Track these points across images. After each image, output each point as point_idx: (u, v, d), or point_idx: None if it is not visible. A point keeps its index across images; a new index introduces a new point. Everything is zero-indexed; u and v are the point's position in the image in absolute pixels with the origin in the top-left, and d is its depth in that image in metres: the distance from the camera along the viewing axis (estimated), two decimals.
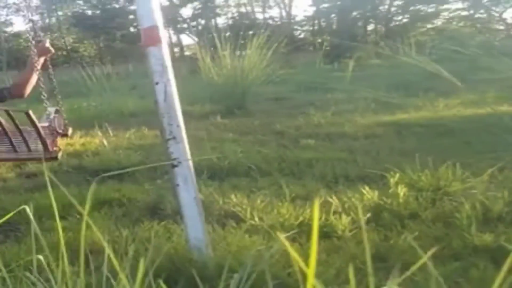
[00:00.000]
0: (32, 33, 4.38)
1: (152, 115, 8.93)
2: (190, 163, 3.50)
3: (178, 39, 45.60)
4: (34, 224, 1.90)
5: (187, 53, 28.91)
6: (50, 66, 4.98)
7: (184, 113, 3.58)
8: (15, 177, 6.19)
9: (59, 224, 1.83)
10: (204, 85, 11.04)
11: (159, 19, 3.42)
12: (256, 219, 4.00)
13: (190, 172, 3.47)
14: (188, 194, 3.44)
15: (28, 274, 2.34)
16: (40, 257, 2.10)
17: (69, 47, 38.77)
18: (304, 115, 8.67)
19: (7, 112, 3.99)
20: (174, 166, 3.42)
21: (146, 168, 5.25)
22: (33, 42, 4.34)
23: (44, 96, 4.43)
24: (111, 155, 6.51)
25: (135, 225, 4.21)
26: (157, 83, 3.39)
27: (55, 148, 4.34)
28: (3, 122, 4.16)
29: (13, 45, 48.39)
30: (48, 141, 4.25)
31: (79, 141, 7.55)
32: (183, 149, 3.43)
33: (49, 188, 1.76)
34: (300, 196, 4.49)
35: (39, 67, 4.39)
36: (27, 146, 4.37)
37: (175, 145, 3.40)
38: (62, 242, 1.80)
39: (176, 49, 42.23)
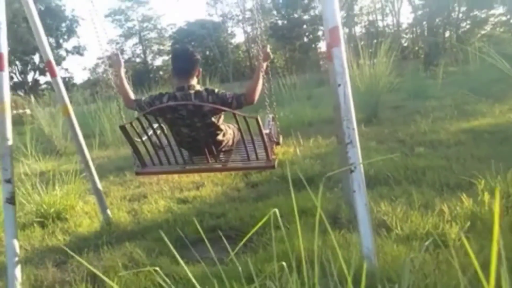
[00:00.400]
0: (258, 41, 3.58)
1: (324, 124, 8.67)
2: (362, 169, 2.74)
3: None
4: (282, 232, 1.64)
5: None
6: (269, 72, 3.97)
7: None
8: (244, 187, 5.52)
9: (300, 235, 1.52)
10: (353, 94, 9.71)
11: (339, 20, 2.73)
12: (399, 228, 3.50)
13: (362, 178, 2.70)
14: (361, 200, 2.70)
15: (270, 282, 2.01)
16: (283, 263, 1.68)
17: None
18: (414, 123, 7.83)
19: (244, 118, 3.17)
20: (351, 171, 2.68)
21: (324, 177, 4.30)
22: (261, 47, 3.53)
23: (267, 102, 3.65)
24: (302, 164, 5.74)
25: (324, 234, 3.41)
26: (339, 85, 2.70)
27: (273, 156, 3.57)
28: (242, 131, 3.48)
29: (235, 57, 46.16)
30: (268, 149, 3.44)
31: (281, 150, 6.76)
32: (357, 154, 2.70)
33: (294, 202, 1.40)
34: (422, 204, 3.92)
35: (264, 72, 3.57)
36: (256, 154, 3.59)
37: (351, 149, 2.67)
38: (303, 252, 1.52)
39: None
